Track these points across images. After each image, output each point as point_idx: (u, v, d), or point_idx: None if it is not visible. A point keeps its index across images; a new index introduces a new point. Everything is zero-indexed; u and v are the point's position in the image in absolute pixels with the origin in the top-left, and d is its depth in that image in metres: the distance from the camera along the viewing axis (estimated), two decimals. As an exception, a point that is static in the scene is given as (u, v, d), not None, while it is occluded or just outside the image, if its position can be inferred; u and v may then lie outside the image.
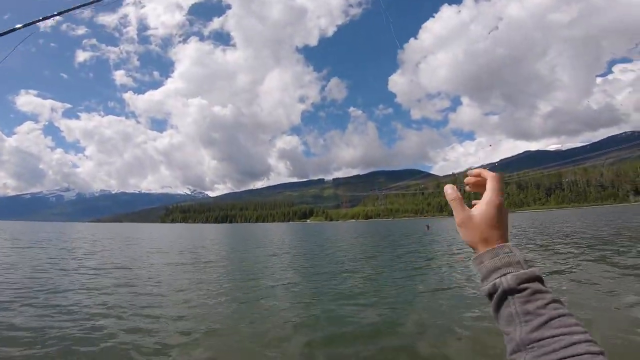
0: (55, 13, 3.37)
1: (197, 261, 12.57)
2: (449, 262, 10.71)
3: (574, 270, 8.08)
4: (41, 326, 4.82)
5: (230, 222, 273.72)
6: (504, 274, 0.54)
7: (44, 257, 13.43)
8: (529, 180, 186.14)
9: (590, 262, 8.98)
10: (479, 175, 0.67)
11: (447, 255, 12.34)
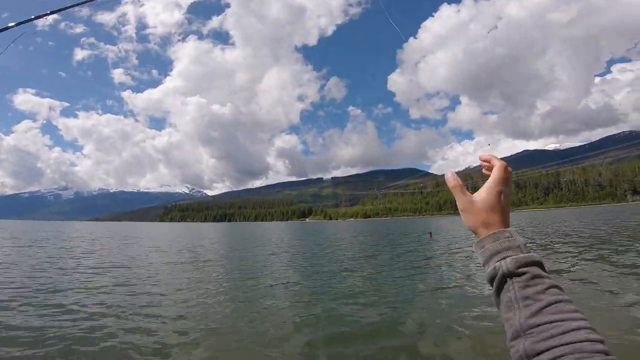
0: (49, 12, 3.34)
1: (196, 260, 12.55)
2: (449, 261, 10.73)
3: (572, 269, 8.11)
4: (40, 325, 4.81)
5: (229, 221, 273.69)
6: (504, 257, 0.55)
7: (42, 256, 13.39)
8: (528, 180, 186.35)
9: (589, 261, 9.01)
10: (489, 161, 0.68)
11: (446, 255, 12.36)
